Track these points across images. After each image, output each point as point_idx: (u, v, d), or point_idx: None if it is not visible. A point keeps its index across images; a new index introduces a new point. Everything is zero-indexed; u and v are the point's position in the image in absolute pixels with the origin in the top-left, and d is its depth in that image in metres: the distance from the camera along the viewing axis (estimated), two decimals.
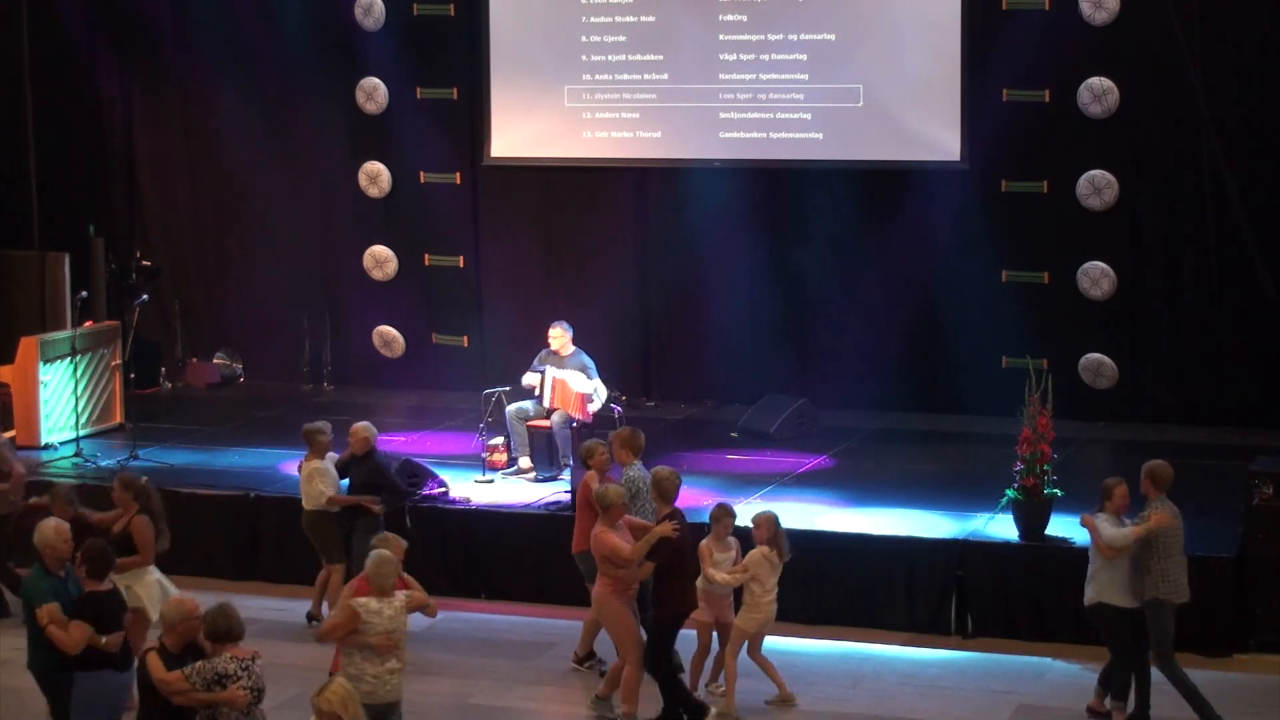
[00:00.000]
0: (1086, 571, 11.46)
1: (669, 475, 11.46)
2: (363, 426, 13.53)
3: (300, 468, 13.51)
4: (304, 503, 13.37)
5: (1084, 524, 11.48)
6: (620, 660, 11.42)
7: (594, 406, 15.43)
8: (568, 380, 15.39)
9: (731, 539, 11.81)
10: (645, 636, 11.36)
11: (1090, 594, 11.40)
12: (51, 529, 10.28)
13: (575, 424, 15.43)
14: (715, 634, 11.86)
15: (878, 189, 17.97)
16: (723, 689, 11.81)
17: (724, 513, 11.80)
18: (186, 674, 8.86)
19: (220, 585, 14.08)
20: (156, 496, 12.14)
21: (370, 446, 13.43)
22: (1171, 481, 11.51)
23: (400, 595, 9.87)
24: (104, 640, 9.78)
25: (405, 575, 10.19)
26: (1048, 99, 17.19)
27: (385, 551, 9.92)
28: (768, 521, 11.71)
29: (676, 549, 11.16)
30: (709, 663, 12.03)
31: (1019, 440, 13.20)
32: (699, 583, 11.65)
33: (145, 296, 18.42)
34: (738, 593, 11.91)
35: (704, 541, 11.71)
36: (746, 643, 11.78)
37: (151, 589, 11.71)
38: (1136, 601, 11.33)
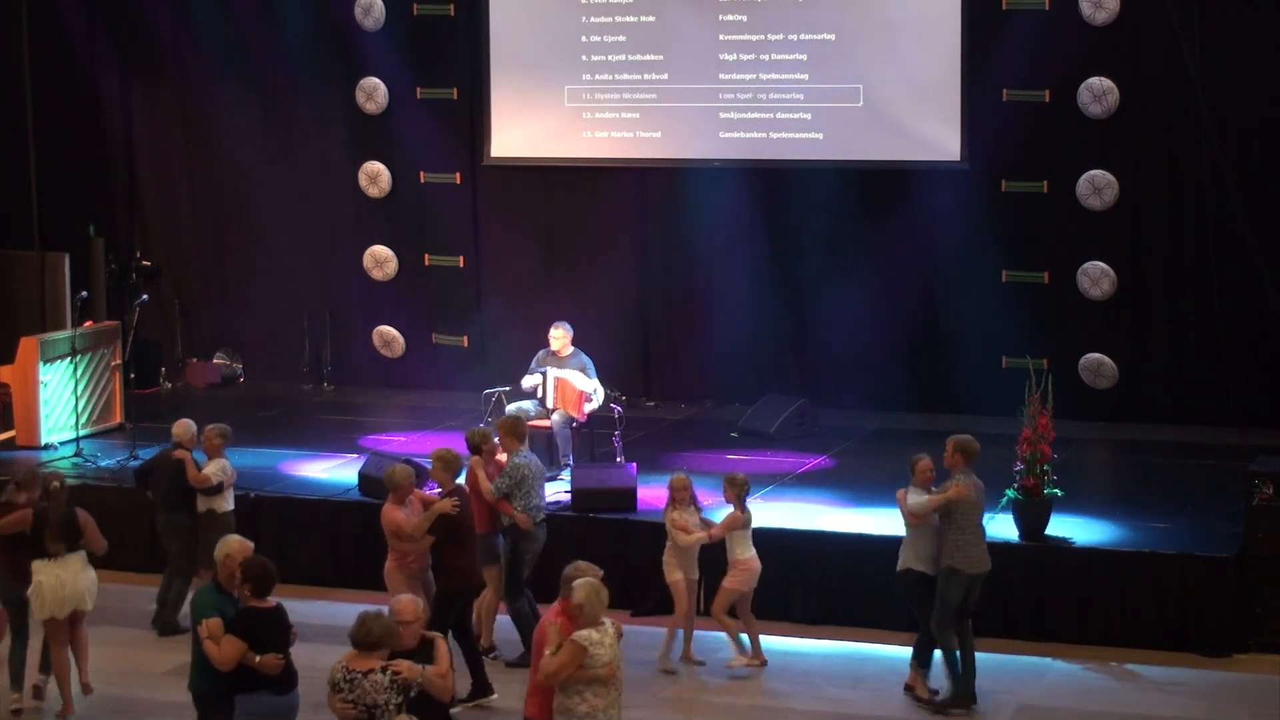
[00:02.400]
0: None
1: (453, 456, 11.97)
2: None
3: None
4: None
5: (897, 499, 11.82)
6: None
7: (590, 406, 15.43)
8: (570, 380, 15.40)
9: (693, 507, 12.46)
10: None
11: (900, 560, 11.83)
12: (236, 544, 9.79)
13: (575, 424, 15.44)
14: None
15: (878, 189, 17.97)
16: (699, 659, 12.35)
17: (683, 483, 12.39)
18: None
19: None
20: (60, 505, 11.75)
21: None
22: (978, 456, 11.78)
23: (609, 622, 9.28)
24: (258, 659, 9.29)
25: None
26: (1048, 99, 17.19)
27: (596, 580, 9.31)
28: (742, 482, 12.38)
29: (454, 525, 11.64)
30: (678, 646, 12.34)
31: (1019, 440, 13.20)
32: (669, 547, 12.28)
33: (145, 296, 18.43)
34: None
35: (673, 512, 12.33)
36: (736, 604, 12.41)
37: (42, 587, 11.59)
38: (937, 570, 11.66)
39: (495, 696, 11.77)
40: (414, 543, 11.77)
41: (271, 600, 9.49)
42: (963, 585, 11.61)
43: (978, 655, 11.98)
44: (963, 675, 11.72)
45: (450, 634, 11.37)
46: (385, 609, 8.90)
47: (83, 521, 11.76)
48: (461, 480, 12.17)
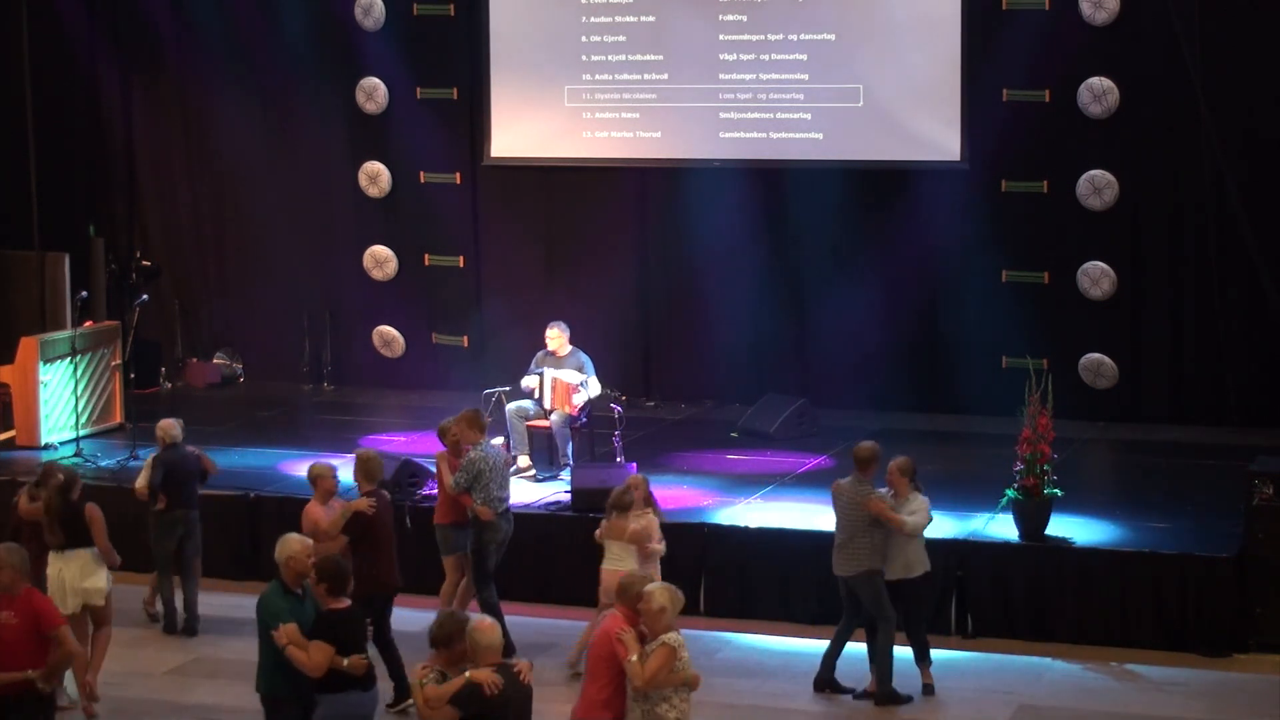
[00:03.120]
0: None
1: (373, 456, 11.97)
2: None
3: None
4: None
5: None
6: None
7: (579, 398, 15.40)
8: (562, 378, 15.41)
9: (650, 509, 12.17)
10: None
11: (884, 567, 11.83)
12: (296, 542, 9.70)
13: (575, 423, 15.44)
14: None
15: (878, 189, 17.98)
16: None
17: (634, 485, 12.13)
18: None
19: (220, 585, 14.10)
20: (54, 498, 11.79)
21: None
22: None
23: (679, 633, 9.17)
24: (346, 662, 9.18)
25: None
26: (1048, 99, 17.19)
27: (669, 585, 9.22)
28: (644, 482, 12.20)
29: (368, 525, 11.63)
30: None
31: (1019, 440, 13.20)
32: (604, 564, 12.05)
33: (145, 296, 18.42)
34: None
35: (632, 525, 11.99)
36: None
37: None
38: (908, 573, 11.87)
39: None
40: (329, 541, 11.67)
41: (345, 600, 9.42)
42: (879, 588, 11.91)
43: (978, 655, 11.98)
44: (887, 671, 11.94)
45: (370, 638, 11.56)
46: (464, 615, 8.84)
47: (90, 518, 11.79)
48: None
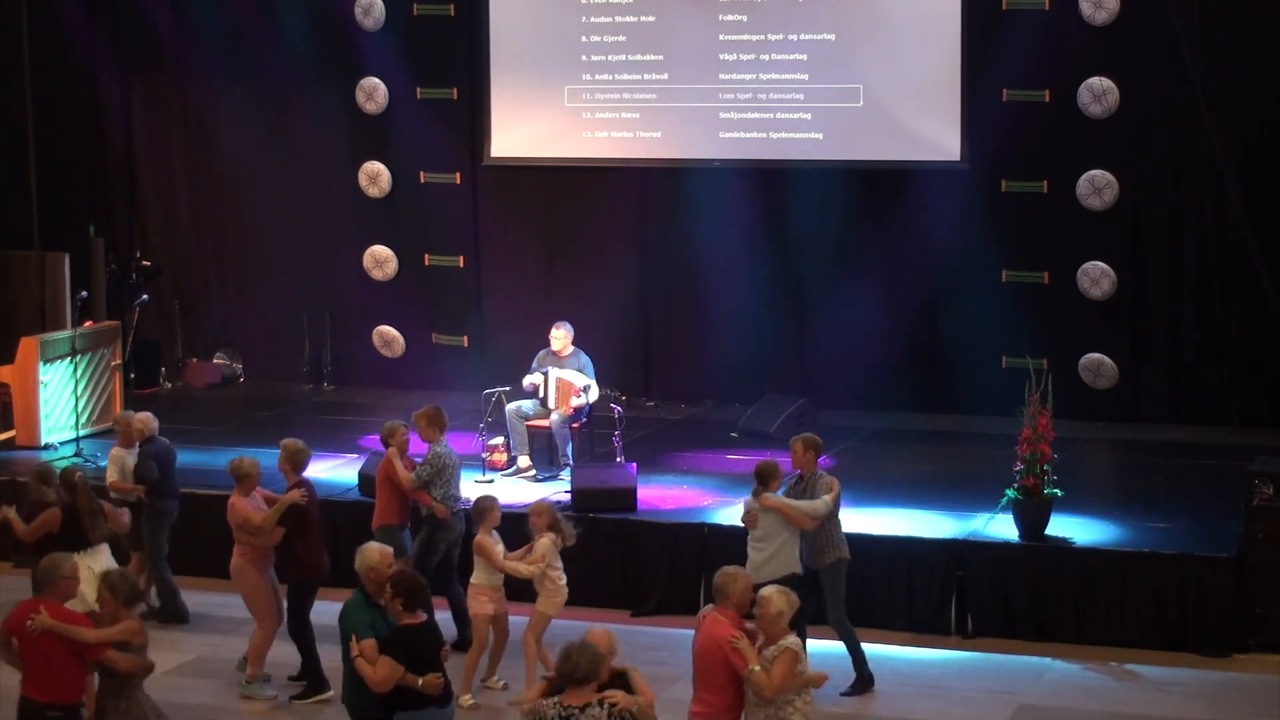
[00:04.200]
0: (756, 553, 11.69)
1: (301, 447, 12.14)
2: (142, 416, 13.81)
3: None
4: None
5: (767, 504, 11.66)
6: (257, 630, 12.03)
7: (578, 401, 15.42)
8: (569, 379, 15.42)
9: (495, 533, 12.00)
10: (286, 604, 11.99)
11: (775, 569, 11.50)
12: (375, 552, 9.63)
13: (575, 423, 15.45)
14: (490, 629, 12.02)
15: (878, 189, 17.97)
16: (501, 683, 11.99)
17: (491, 505, 12.04)
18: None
19: (220, 585, 14.06)
20: (89, 492, 11.88)
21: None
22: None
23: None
24: (420, 682, 9.05)
25: None
26: (1048, 99, 17.19)
27: (785, 588, 9.20)
28: (547, 510, 12.00)
29: (302, 515, 11.84)
30: (484, 658, 12.15)
31: (1019, 440, 13.20)
32: (478, 578, 11.83)
33: (145, 296, 18.43)
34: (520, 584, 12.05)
35: (480, 536, 11.89)
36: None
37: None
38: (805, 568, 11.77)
39: (330, 694, 11.87)
40: (263, 535, 11.88)
41: (421, 614, 9.26)
42: (845, 573, 11.93)
43: (978, 655, 11.98)
44: (861, 660, 12.00)
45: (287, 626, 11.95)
46: (583, 639, 8.60)
47: (108, 511, 12.00)
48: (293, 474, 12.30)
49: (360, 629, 9.28)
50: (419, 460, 12.97)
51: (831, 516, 11.85)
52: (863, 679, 12.06)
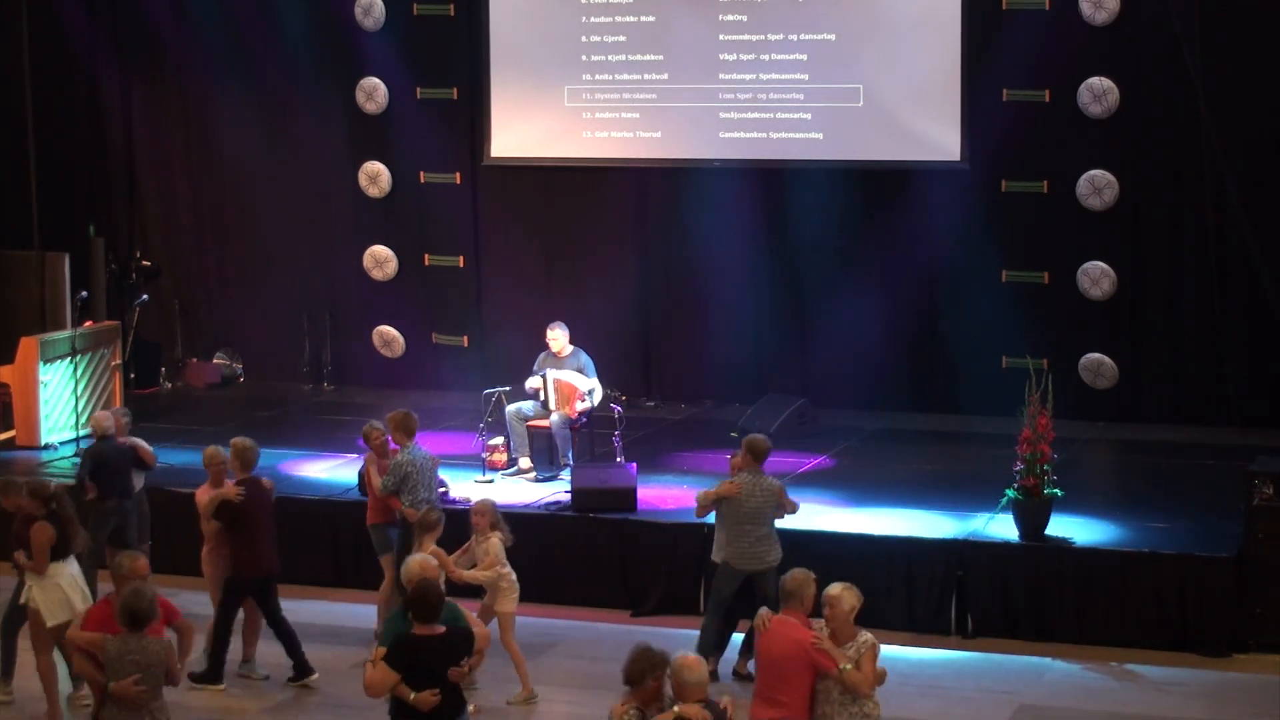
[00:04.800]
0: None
1: (249, 446, 12.30)
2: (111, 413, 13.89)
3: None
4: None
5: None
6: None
7: (583, 405, 15.44)
8: (569, 380, 15.42)
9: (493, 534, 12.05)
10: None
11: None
12: (415, 564, 9.61)
13: (575, 423, 15.44)
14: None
15: (878, 189, 17.97)
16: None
17: (438, 518, 11.89)
18: None
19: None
20: (68, 502, 11.83)
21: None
22: (766, 455, 11.99)
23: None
24: (412, 696, 8.79)
25: None
26: (1048, 99, 17.19)
27: (851, 585, 9.27)
28: (490, 509, 12.03)
29: (237, 513, 12.03)
30: None
31: (1019, 440, 13.19)
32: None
33: (145, 296, 18.43)
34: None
35: (431, 549, 11.72)
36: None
37: (50, 593, 11.39)
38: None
39: (316, 675, 12.24)
40: (205, 525, 12.24)
41: (438, 627, 8.97)
42: (731, 579, 11.92)
43: (978, 655, 11.96)
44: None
45: (267, 623, 12.26)
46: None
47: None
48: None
49: (386, 638, 9.17)
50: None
51: (722, 518, 12.02)
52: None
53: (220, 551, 12.34)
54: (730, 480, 11.95)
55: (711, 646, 11.96)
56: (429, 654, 8.87)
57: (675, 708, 8.14)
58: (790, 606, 9.11)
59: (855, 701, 8.85)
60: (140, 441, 13.62)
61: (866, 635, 8.97)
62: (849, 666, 8.80)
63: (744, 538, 11.88)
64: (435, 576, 9.54)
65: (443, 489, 14.63)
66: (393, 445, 12.95)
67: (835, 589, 9.03)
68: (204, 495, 12.39)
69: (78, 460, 14.04)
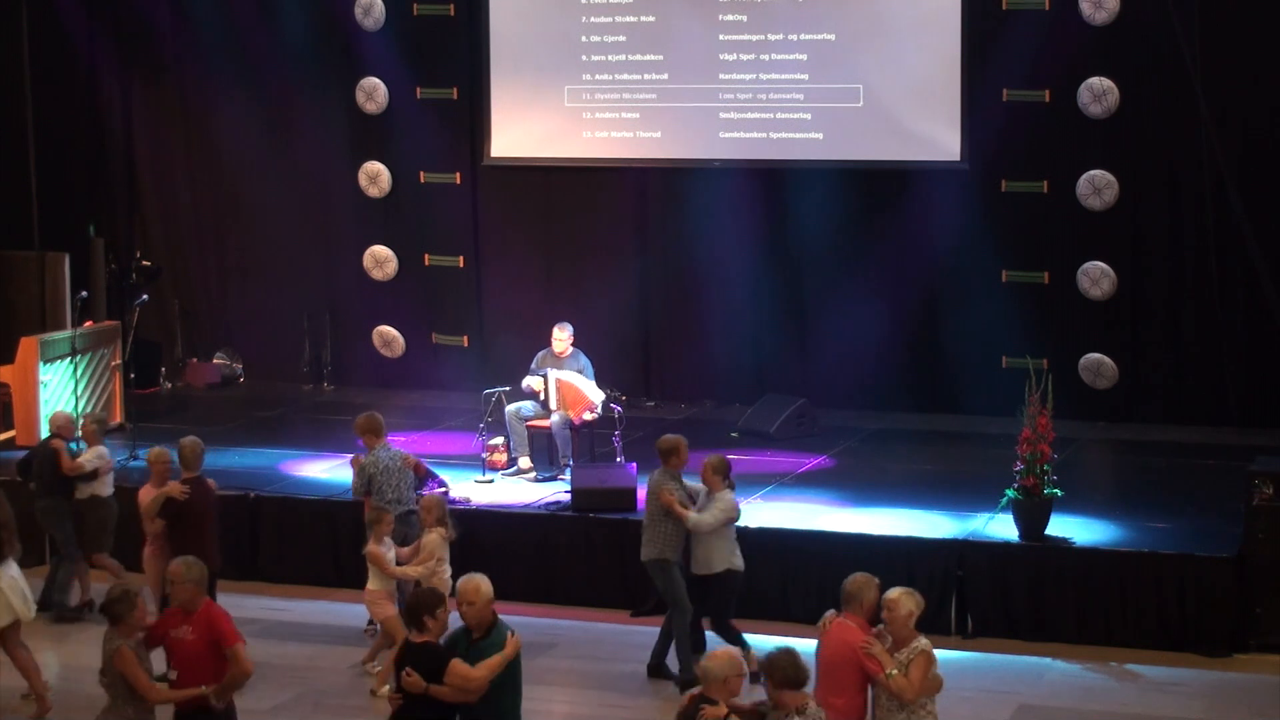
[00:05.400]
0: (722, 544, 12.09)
1: (192, 444, 12.51)
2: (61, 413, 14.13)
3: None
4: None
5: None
6: None
7: (590, 417, 15.48)
8: (574, 384, 15.41)
9: (388, 540, 12.16)
10: None
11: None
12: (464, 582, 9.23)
13: (574, 424, 15.44)
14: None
15: (878, 189, 17.98)
16: (378, 668, 12.00)
17: (380, 514, 12.17)
18: None
19: (220, 585, 14.06)
20: (6, 506, 11.89)
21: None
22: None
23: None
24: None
25: None
26: (1048, 99, 17.19)
27: (910, 589, 9.26)
28: (436, 504, 12.14)
29: (180, 510, 12.21)
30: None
31: (1019, 440, 13.19)
32: (373, 584, 12.01)
33: (145, 296, 18.40)
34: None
35: (372, 546, 12.04)
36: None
37: None
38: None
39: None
40: (149, 524, 12.38)
41: (425, 634, 8.94)
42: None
43: (978, 655, 11.94)
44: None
45: None
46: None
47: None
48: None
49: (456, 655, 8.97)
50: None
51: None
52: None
53: (164, 550, 12.34)
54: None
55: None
56: (419, 658, 8.93)
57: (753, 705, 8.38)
58: (850, 610, 9.07)
59: (904, 709, 8.81)
60: (64, 446, 13.69)
61: (920, 641, 8.90)
62: (894, 672, 8.75)
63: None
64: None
65: (443, 489, 14.64)
66: (362, 449, 13.03)
67: (894, 593, 8.98)
68: (147, 494, 12.49)
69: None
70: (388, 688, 11.43)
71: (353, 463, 13.12)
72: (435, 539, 12.00)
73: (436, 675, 8.76)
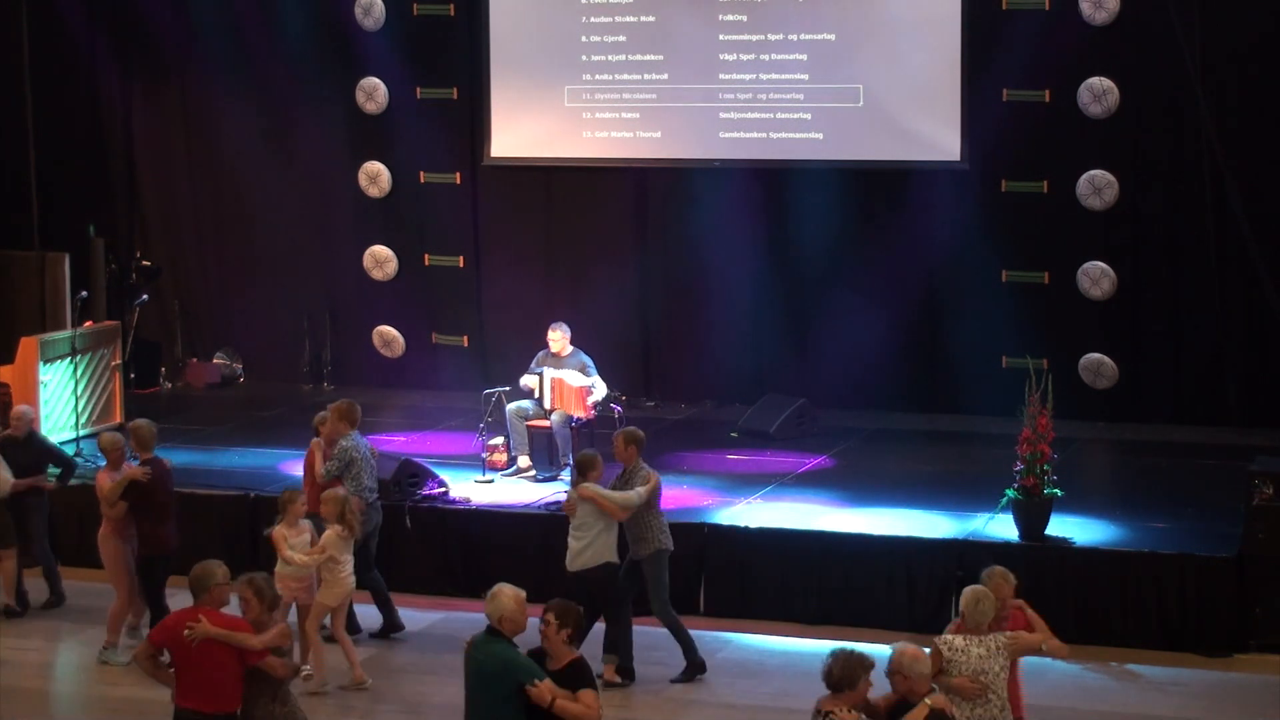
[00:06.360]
0: (575, 541, 11.98)
1: (147, 426, 12.68)
2: (22, 409, 14.11)
3: None
4: None
5: (584, 494, 11.95)
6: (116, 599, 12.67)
7: (593, 399, 15.46)
8: (565, 379, 15.42)
9: (304, 522, 12.21)
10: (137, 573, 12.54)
11: (590, 558, 11.90)
12: (510, 597, 8.73)
13: (576, 423, 15.44)
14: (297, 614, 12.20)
15: (878, 189, 17.98)
16: (308, 670, 12.02)
17: (293, 497, 12.24)
18: None
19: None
20: None
21: (30, 428, 13.97)
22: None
23: (997, 637, 9.12)
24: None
25: (1030, 613, 9.72)
26: (1048, 99, 17.20)
27: (982, 588, 9.32)
28: (337, 500, 12.13)
29: (144, 492, 12.33)
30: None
31: (1019, 440, 13.19)
32: (283, 568, 11.98)
33: (145, 296, 18.42)
34: None
35: (277, 528, 12.16)
36: (330, 617, 12.25)
37: None
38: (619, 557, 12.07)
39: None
40: (110, 508, 12.43)
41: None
42: (667, 563, 12.10)
43: None
44: (690, 646, 12.20)
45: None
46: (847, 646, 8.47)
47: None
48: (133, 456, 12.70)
49: (534, 672, 8.47)
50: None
51: (649, 508, 12.04)
52: (693, 665, 12.29)
53: (126, 534, 12.53)
54: (647, 472, 12.14)
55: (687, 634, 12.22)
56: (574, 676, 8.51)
57: (928, 699, 8.28)
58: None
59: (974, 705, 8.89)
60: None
61: (944, 637, 9.14)
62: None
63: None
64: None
65: (442, 489, 14.66)
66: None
67: (973, 589, 9.16)
68: (105, 479, 12.53)
69: None
70: (306, 668, 11.65)
71: (313, 447, 13.13)
72: (333, 536, 12.05)
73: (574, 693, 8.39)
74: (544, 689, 8.30)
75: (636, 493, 11.95)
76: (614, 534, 11.97)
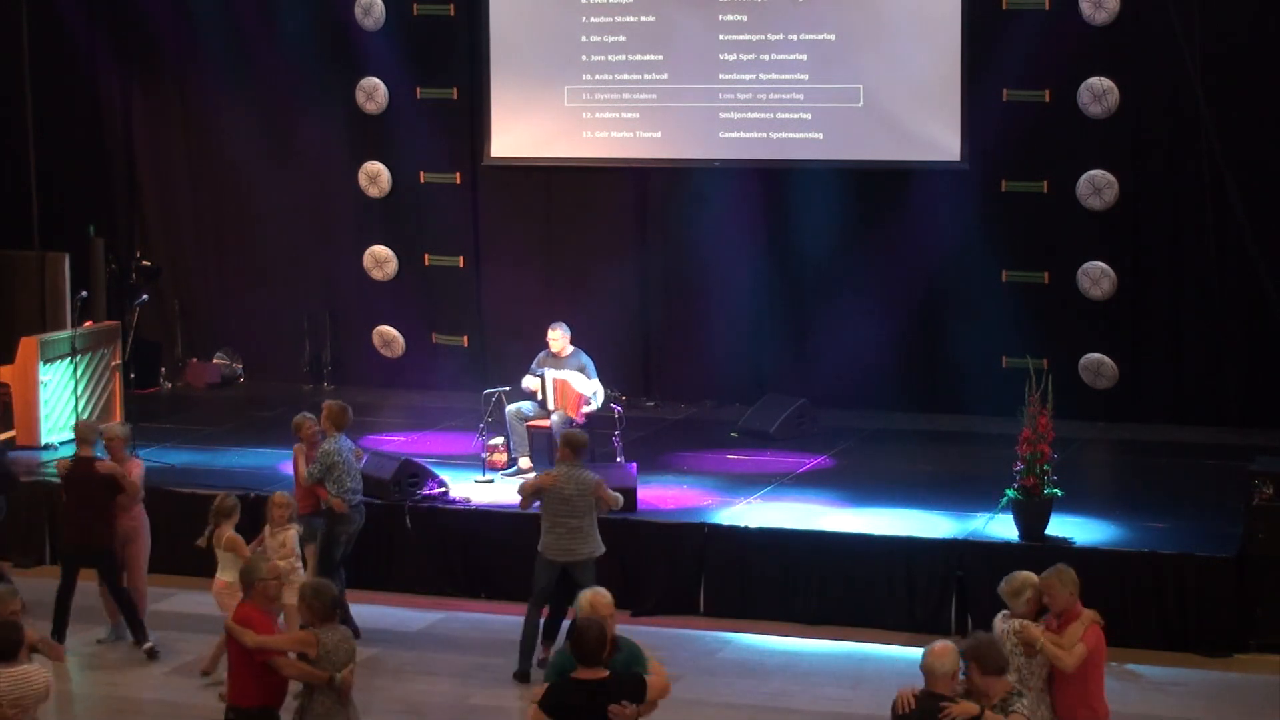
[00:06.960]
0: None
1: (86, 423, 13.32)
2: None
3: None
4: None
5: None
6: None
7: (588, 409, 15.45)
8: (569, 381, 15.42)
9: (292, 524, 12.33)
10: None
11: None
12: (588, 600, 8.41)
13: (574, 424, 15.43)
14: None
15: (878, 189, 17.98)
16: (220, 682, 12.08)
17: (235, 503, 12.33)
18: None
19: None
20: None
21: None
22: (583, 448, 12.35)
23: (1013, 622, 9.31)
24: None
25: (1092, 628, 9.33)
26: (1048, 99, 17.19)
27: (1032, 576, 9.39)
28: (289, 503, 12.33)
29: (75, 483, 12.76)
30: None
31: (1019, 440, 13.19)
32: (229, 575, 11.94)
33: (145, 296, 18.40)
34: None
35: (230, 533, 12.15)
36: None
37: None
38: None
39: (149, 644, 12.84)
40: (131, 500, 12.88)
41: (602, 671, 7.95)
42: (546, 569, 12.20)
43: None
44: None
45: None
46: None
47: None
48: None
49: (548, 674, 8.41)
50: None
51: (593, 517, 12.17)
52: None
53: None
54: (549, 472, 12.29)
55: (533, 638, 12.26)
56: (582, 700, 7.87)
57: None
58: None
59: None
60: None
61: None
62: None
63: (557, 528, 12.13)
64: (606, 614, 8.27)
65: (442, 489, 14.66)
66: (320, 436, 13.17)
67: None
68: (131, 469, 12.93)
69: None
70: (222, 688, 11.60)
71: (296, 451, 13.19)
72: (293, 536, 12.14)
73: (638, 695, 7.96)
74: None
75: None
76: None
